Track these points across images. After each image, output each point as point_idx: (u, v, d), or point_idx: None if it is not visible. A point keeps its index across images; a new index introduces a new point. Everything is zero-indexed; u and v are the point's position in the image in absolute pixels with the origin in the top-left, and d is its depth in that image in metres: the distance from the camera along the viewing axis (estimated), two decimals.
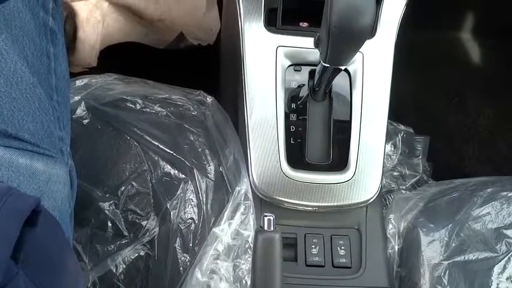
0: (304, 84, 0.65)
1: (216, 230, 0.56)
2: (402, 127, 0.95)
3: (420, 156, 0.96)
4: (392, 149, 0.93)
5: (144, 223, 0.58)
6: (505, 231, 0.62)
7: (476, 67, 1.20)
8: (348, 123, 0.64)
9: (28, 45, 0.47)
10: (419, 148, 0.96)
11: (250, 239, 0.56)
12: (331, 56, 0.52)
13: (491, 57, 1.19)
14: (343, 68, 0.55)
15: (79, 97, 0.65)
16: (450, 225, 0.62)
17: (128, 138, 0.62)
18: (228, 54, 0.82)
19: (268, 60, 0.64)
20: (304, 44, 0.64)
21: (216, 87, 0.89)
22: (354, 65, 0.65)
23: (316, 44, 0.55)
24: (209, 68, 0.96)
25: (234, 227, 0.56)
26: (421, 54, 1.11)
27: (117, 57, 0.98)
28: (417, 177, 0.93)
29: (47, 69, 0.50)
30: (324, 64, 0.54)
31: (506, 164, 1.04)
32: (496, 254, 0.60)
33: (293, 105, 0.65)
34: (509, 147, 1.07)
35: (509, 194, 0.66)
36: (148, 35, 1.01)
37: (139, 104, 0.66)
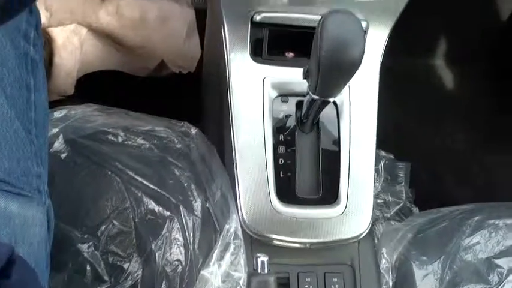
0: (291, 115, 0.64)
1: (204, 272, 0.53)
2: (383, 153, 0.95)
3: (403, 183, 0.96)
4: (375, 176, 0.93)
5: (126, 266, 0.54)
6: (495, 260, 0.62)
7: (451, 92, 1.23)
8: (337, 154, 0.63)
9: (7, 77, 0.44)
10: (401, 175, 0.97)
11: (241, 281, 0.53)
12: (321, 89, 0.52)
13: (463, 83, 1.22)
14: (331, 100, 0.55)
15: (57, 129, 0.62)
16: (442, 257, 0.62)
17: (109, 173, 0.59)
18: (211, 83, 0.81)
19: (255, 90, 0.63)
20: (291, 75, 0.64)
21: (199, 115, 0.87)
22: (341, 96, 0.65)
23: (305, 76, 0.54)
24: (191, 95, 0.94)
25: (224, 269, 0.53)
26: (397, 81, 1.13)
27: (96, 86, 0.95)
28: (401, 205, 0.93)
29: (26, 101, 0.47)
30: (312, 96, 0.53)
31: (485, 187, 1.06)
32: (489, 286, 0.59)
33: (281, 137, 0.63)
34: (485, 170, 1.09)
35: (496, 222, 0.66)
36: (129, 63, 0.98)
37: (121, 137, 0.63)
